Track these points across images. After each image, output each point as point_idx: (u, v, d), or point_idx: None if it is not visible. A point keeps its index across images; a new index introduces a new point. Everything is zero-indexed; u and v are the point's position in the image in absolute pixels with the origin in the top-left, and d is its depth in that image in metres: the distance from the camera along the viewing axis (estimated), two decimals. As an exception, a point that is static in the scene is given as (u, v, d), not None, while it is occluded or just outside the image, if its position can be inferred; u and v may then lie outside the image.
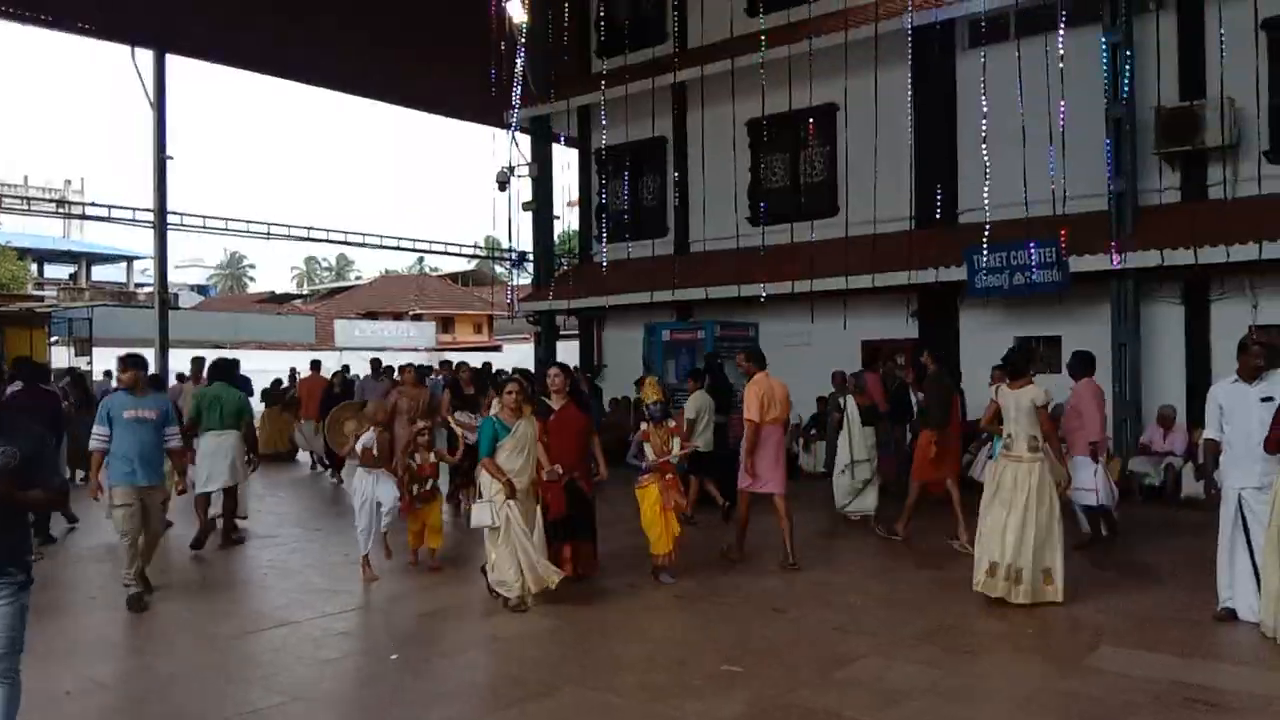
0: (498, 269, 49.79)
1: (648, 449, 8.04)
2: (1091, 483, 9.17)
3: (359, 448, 8.32)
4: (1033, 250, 13.10)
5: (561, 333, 22.67)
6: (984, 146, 13.34)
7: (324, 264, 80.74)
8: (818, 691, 5.35)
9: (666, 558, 7.88)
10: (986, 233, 13.34)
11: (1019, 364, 7.56)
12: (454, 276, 57.34)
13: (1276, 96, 12.51)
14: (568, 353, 21.43)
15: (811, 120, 15.99)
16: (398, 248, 29.88)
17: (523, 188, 20.20)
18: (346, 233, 28.30)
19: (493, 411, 7.45)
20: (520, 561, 6.94)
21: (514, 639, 6.48)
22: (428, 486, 8.70)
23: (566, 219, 22.41)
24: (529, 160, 20.03)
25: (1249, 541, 6.58)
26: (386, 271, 68.86)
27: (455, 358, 20.40)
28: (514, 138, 19.49)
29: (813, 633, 6.55)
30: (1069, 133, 12.65)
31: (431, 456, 8.77)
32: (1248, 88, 12.26)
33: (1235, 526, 6.66)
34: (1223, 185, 12.70)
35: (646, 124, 17.55)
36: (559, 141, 20.68)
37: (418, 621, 7.04)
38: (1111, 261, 12.76)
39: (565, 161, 21.74)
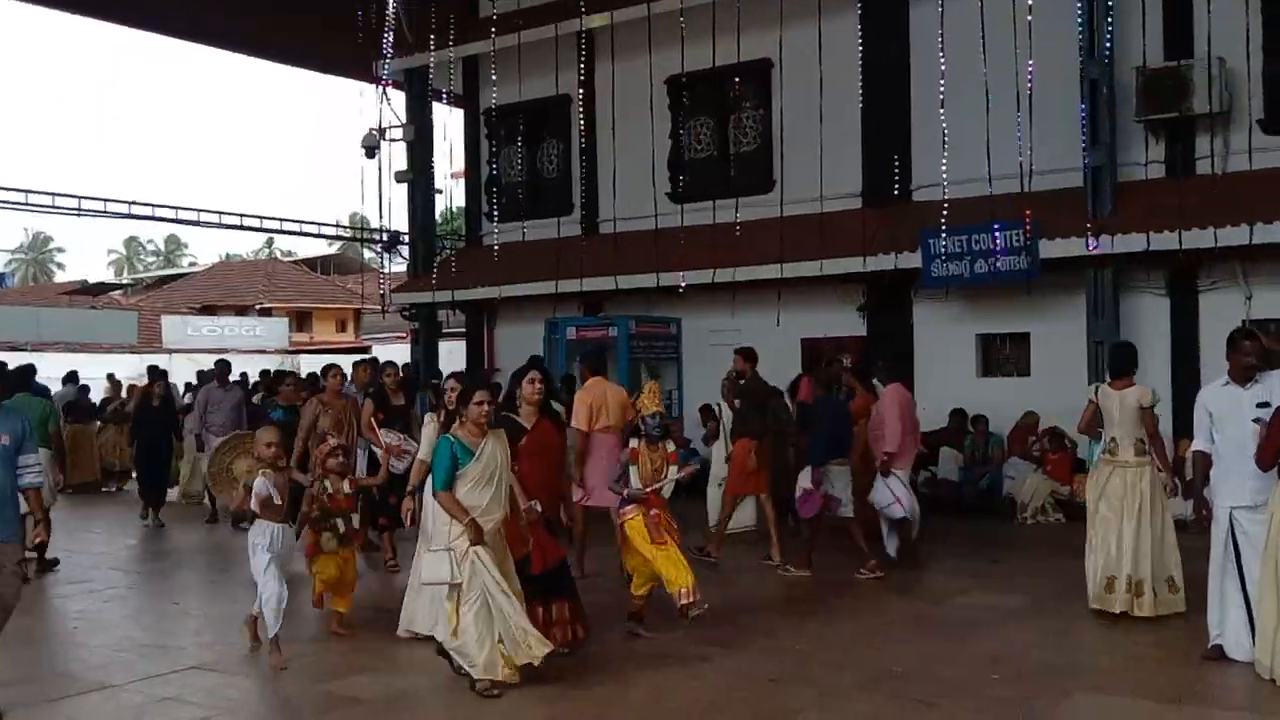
0: (366, 254, 49.22)
1: (633, 473, 7.52)
2: (889, 496, 10.25)
3: (255, 500, 7.25)
4: (997, 233, 13.44)
5: (445, 330, 22.50)
6: (941, 112, 13.63)
7: (149, 247, 78.83)
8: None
9: (686, 592, 7.28)
10: (945, 213, 13.63)
11: (1122, 363, 8.31)
12: (312, 263, 56.35)
13: (1272, 59, 13.03)
14: (453, 355, 21.28)
15: (741, 79, 16.14)
16: (241, 226, 29.07)
17: (396, 155, 19.98)
18: (177, 209, 27.51)
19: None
20: (497, 627, 6.31)
21: (380, 702, 6.41)
22: (352, 524, 7.94)
23: (451, 194, 22.25)
24: (403, 122, 19.83)
25: (1240, 569, 6.82)
26: (227, 256, 67.46)
27: (307, 359, 20.08)
28: (385, 94, 19.26)
29: (743, 684, 6.60)
30: (1039, 96, 12.98)
31: (346, 486, 7.93)
32: (1240, 48, 12.73)
33: (1227, 551, 6.89)
34: (1211, 158, 13.20)
35: (548, 79, 17.50)
36: (440, 100, 20.50)
37: (262, 683, 6.90)
38: (1087, 246, 13.15)
39: (449, 124, 21.57)
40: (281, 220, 30.20)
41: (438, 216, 22.02)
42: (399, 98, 20.13)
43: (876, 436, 10.33)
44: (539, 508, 6.87)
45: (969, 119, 13.42)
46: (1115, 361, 8.46)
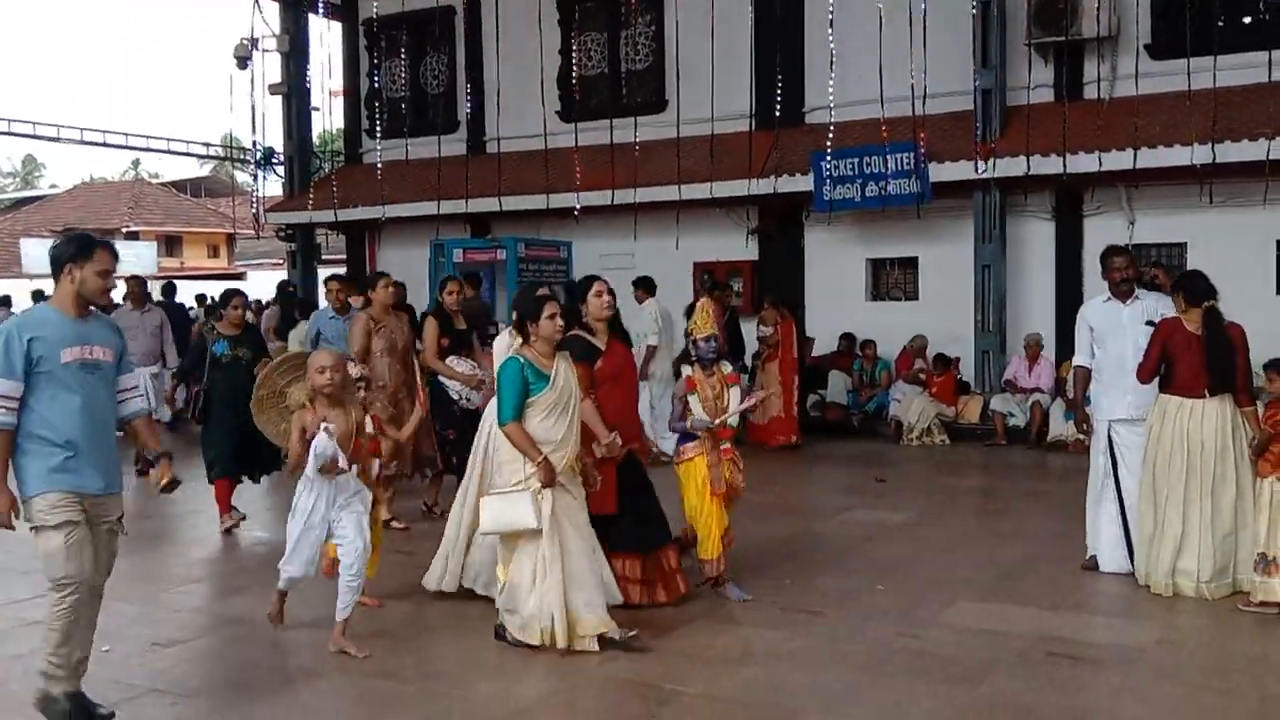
0: (239, 176, 47.98)
1: (695, 404, 6.59)
2: None
3: (316, 455, 5.59)
4: (888, 156, 13.61)
5: (324, 255, 22.05)
6: (829, 32, 13.67)
7: (6, 167, 75.71)
8: (637, 662, 5.47)
9: (717, 563, 6.63)
10: (830, 135, 13.75)
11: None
12: (181, 185, 54.76)
13: (1160, -19, 13.36)
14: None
15: (633, -9, 15.95)
16: (104, 144, 28.15)
17: (270, 67, 19.37)
18: (35, 124, 26.43)
19: (511, 348, 5.88)
20: (566, 587, 5.51)
21: (265, 622, 6.33)
22: (377, 471, 6.30)
23: (330, 113, 21.72)
24: (277, 32, 19.21)
25: (1118, 483, 7.09)
26: (91, 178, 65.07)
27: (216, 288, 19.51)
28: (257, 2, 18.64)
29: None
30: (931, 17, 13.07)
31: (369, 425, 6.06)
32: (1129, -29, 13.01)
33: (1105, 464, 7.17)
34: (1098, 83, 13.51)
35: (430, -12, 17.09)
36: (317, 10, 19.90)
37: (142, 604, 6.77)
38: (975, 170, 13.41)
39: (326, 38, 20.98)
40: (149, 138, 29.24)
41: (316, 138, 21.49)
42: (272, 8, 19.50)
43: None
44: (619, 442, 6.06)
45: (861, 40, 13.50)
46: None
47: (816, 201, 14.41)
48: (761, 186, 14.72)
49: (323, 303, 12.05)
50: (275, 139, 20.36)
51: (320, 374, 5.69)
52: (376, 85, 19.13)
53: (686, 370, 6.79)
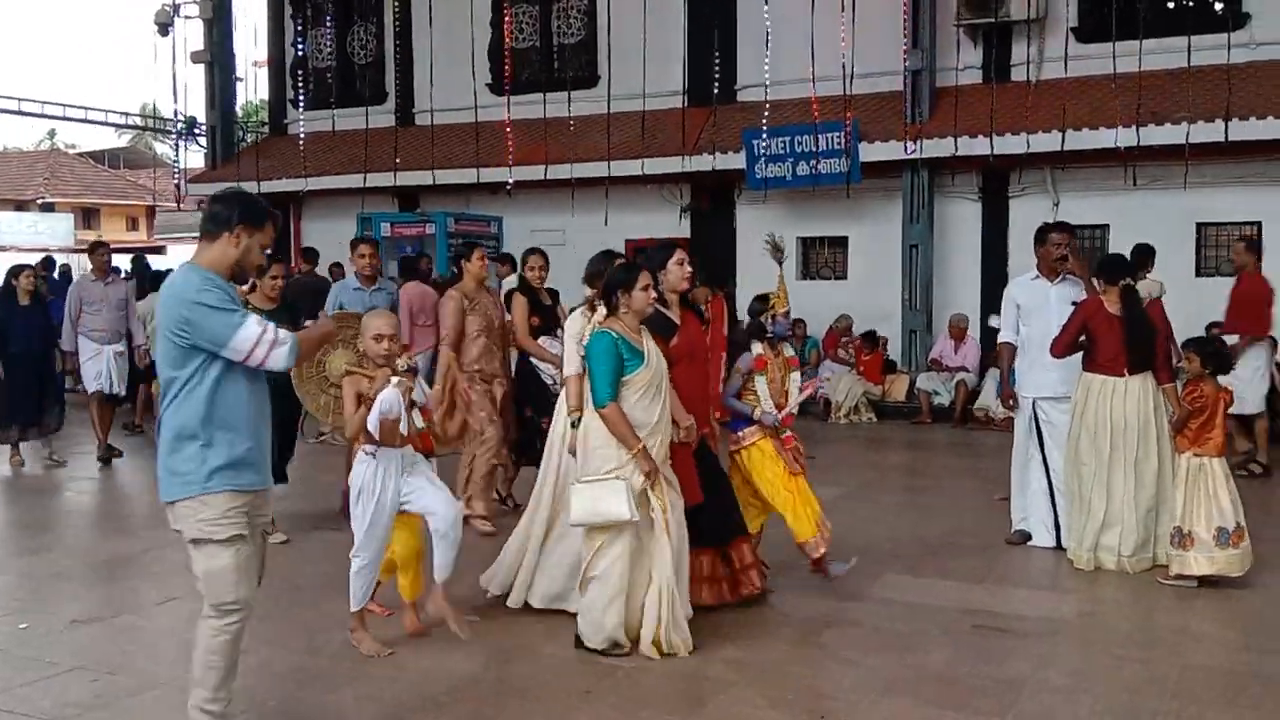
0: (159, 147, 47.02)
1: (761, 386, 6.08)
2: None
3: (376, 418, 4.93)
4: (819, 136, 13.70)
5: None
6: (766, 10, 13.69)
7: (-87, 134, 73.32)
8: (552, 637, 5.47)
9: (818, 541, 6.05)
10: (766, 113, 13.80)
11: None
12: (99, 156, 53.52)
13: (1087, -36, 13.58)
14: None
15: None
16: (19, 112, 27.35)
17: (192, 34, 18.98)
18: (-56, 89, 25.59)
19: (594, 320, 5.34)
20: (658, 598, 5.10)
21: (187, 599, 6.24)
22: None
23: (255, 84, 21.38)
24: (200, -3, 18.87)
25: (1045, 458, 7.21)
26: (5, 148, 63.46)
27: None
28: (179, -35, 18.27)
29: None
30: (863, -3, 13.20)
31: (418, 418, 5.18)
32: (1056, -47, 13.22)
33: (1030, 440, 7.28)
34: (1026, 66, 13.71)
35: (358, -45, 16.85)
36: (242, -24, 19.58)
37: (66, 581, 6.70)
38: (905, 150, 13.54)
39: (251, 2, 20.56)
40: (65, 107, 28.48)
41: (239, 110, 21.10)
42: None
43: None
44: (695, 426, 5.53)
45: (794, 19, 13.56)
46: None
47: (749, 179, 14.48)
48: (695, 164, 14.74)
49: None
50: (197, 108, 20.01)
51: (377, 342, 4.98)
52: (302, 54, 18.80)
53: (757, 349, 6.15)
